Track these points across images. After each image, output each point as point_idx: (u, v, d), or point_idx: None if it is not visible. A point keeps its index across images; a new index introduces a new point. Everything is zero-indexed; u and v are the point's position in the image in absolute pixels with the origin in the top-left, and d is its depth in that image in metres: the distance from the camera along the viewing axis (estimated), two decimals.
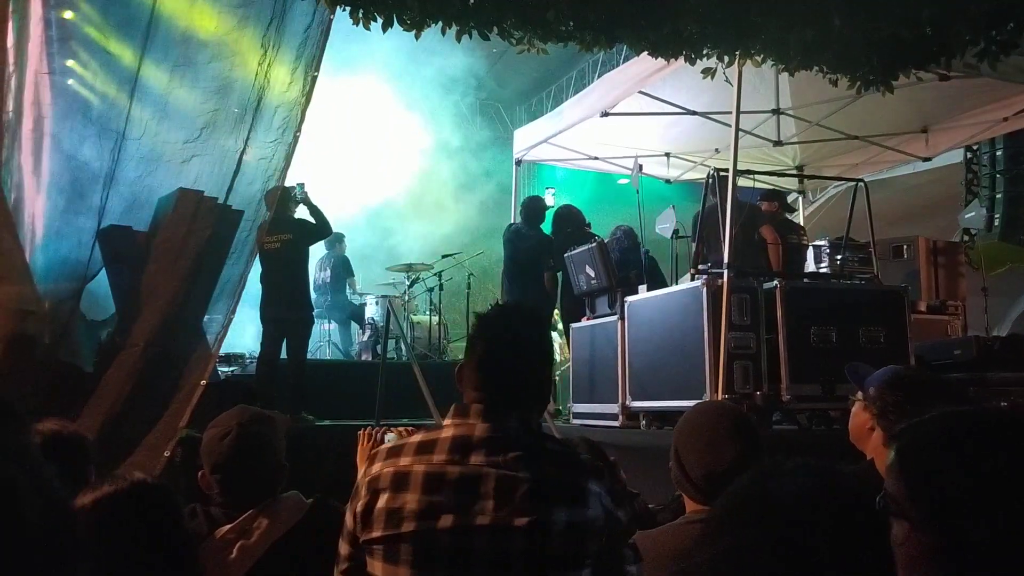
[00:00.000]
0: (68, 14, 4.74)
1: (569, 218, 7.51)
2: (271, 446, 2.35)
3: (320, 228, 6.76)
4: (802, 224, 9.49)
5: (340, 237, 10.07)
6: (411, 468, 1.73)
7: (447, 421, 1.81)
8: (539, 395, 1.87)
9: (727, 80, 4.95)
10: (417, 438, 1.80)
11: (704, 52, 4.56)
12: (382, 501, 1.73)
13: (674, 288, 6.02)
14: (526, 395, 1.83)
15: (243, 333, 8.60)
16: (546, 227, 7.62)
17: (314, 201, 6.73)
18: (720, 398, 4.94)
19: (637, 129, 7.50)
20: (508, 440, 1.72)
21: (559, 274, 7.25)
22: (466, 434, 1.74)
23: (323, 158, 11.88)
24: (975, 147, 10.40)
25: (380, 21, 3.87)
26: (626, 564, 1.73)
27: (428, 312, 10.06)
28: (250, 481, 2.27)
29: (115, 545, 1.66)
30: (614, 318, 6.05)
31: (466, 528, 1.66)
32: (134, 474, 1.87)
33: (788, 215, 7.75)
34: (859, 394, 2.34)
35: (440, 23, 3.93)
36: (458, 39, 4.06)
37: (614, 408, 5.93)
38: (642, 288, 6.13)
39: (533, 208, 7.56)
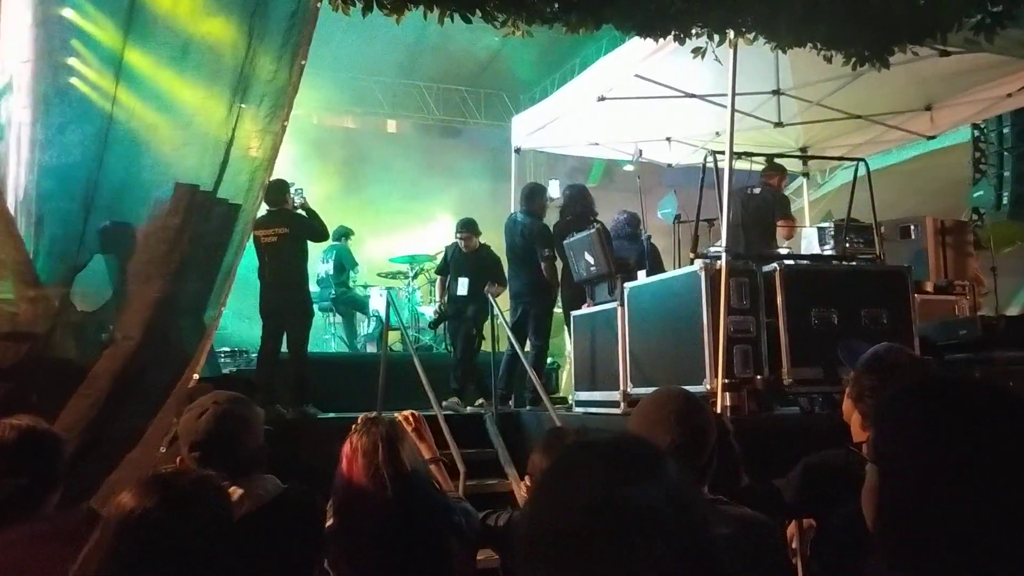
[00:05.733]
0: (66, 11, 4.72)
1: (572, 203, 7.43)
2: (247, 425, 2.36)
3: (319, 233, 6.87)
4: (805, 209, 9.46)
5: (347, 232, 10.05)
6: None
7: None
8: None
9: (717, 59, 4.86)
10: None
11: (693, 31, 4.49)
12: None
13: (672, 273, 5.96)
14: None
15: (245, 328, 8.62)
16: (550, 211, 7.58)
17: (312, 207, 6.89)
18: (720, 383, 4.89)
19: (637, 114, 7.42)
20: None
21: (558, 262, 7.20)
22: None
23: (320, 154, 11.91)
24: (982, 125, 10.24)
25: (359, 6, 3.83)
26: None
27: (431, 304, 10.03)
28: (227, 458, 2.27)
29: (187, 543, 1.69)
30: (614, 304, 5.99)
31: None
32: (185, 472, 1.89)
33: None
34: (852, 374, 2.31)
35: (421, 7, 3.88)
36: (440, 22, 4.00)
37: (615, 395, 5.88)
38: (641, 274, 6.08)
39: (531, 195, 7.47)
